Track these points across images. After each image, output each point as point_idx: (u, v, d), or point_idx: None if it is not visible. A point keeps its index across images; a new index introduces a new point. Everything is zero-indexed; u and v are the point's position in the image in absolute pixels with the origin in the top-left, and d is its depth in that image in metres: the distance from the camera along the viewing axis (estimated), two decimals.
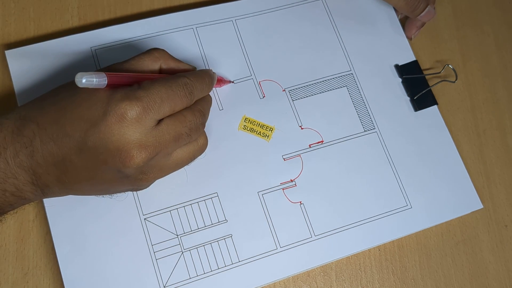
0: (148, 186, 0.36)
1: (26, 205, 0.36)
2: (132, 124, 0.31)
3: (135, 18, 0.45)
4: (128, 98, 0.31)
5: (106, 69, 0.35)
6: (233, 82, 0.44)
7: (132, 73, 0.34)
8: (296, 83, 0.45)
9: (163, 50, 0.37)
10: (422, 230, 0.44)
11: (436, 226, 0.44)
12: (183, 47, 0.44)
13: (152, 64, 0.36)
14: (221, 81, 0.43)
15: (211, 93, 0.43)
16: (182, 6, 0.47)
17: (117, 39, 0.43)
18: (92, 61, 0.42)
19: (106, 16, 0.46)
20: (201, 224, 0.40)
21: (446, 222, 0.44)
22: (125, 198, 0.39)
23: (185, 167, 0.38)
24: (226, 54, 0.45)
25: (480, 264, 0.44)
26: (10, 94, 0.42)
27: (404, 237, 0.43)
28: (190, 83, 0.34)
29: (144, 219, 0.39)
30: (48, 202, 0.38)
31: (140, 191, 0.38)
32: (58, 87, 0.35)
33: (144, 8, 0.47)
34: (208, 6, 0.46)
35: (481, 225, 0.45)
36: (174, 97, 0.33)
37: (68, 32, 0.45)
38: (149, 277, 0.38)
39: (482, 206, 0.44)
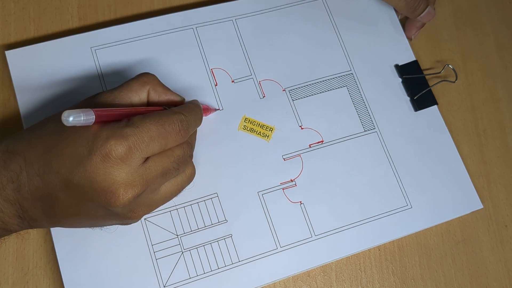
0: (137, 221, 0.35)
1: None
2: (117, 164, 0.30)
3: (135, 18, 0.45)
4: (114, 137, 0.30)
5: (94, 102, 0.34)
6: (219, 109, 0.43)
7: (121, 108, 0.33)
8: (296, 83, 0.45)
9: (152, 75, 0.36)
10: (422, 230, 0.44)
11: (436, 226, 0.44)
12: (183, 47, 0.44)
13: (141, 89, 0.35)
14: (207, 110, 0.42)
15: None
16: (182, 6, 0.47)
17: (117, 39, 0.43)
18: (92, 61, 0.42)
19: (106, 16, 0.46)
20: (201, 224, 0.40)
21: (446, 222, 0.44)
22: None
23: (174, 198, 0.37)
24: (226, 54, 0.45)
25: (480, 264, 0.44)
26: (10, 94, 0.42)
27: (404, 237, 0.43)
28: (186, 119, 0.34)
29: (144, 219, 0.39)
30: None
31: None
32: (46, 119, 0.34)
33: (144, 8, 0.47)
34: (208, 6, 0.46)
35: (481, 225, 0.45)
36: (166, 136, 0.32)
37: (68, 32, 0.45)
38: (149, 277, 0.38)
39: (482, 206, 0.44)
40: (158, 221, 0.39)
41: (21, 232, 0.39)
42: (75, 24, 0.45)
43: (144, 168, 0.31)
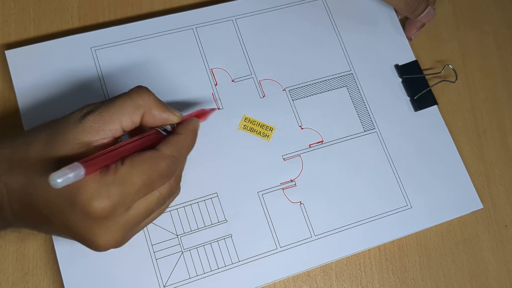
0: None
1: None
2: (99, 221, 0.29)
3: (135, 19, 0.45)
4: (98, 197, 0.28)
5: (81, 127, 0.30)
6: (218, 108, 0.42)
7: (111, 151, 0.30)
8: (296, 83, 0.45)
9: (148, 94, 0.33)
10: (422, 230, 0.44)
11: (436, 226, 0.44)
12: (183, 48, 0.44)
13: (134, 112, 0.32)
14: (205, 113, 0.40)
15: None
16: (182, 7, 0.47)
17: (117, 39, 0.43)
18: (92, 61, 0.42)
19: (106, 16, 0.46)
20: (201, 224, 0.40)
21: (446, 222, 0.44)
22: None
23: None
24: (226, 53, 0.45)
25: (480, 264, 0.44)
26: (10, 94, 0.42)
27: (404, 237, 0.43)
28: (175, 162, 0.32)
29: None
30: None
31: None
32: (31, 136, 0.31)
33: (144, 8, 0.47)
34: (208, 7, 0.46)
35: (481, 225, 0.45)
36: (152, 184, 0.30)
37: (68, 32, 0.45)
38: (149, 276, 0.38)
39: (482, 206, 0.44)
40: (158, 221, 0.39)
41: (21, 232, 0.39)
42: (75, 24, 0.45)
43: (127, 216, 0.30)
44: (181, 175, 0.35)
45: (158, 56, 0.43)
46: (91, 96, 0.41)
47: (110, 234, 0.30)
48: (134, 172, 0.29)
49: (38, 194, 0.30)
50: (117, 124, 0.31)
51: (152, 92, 0.34)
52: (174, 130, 0.34)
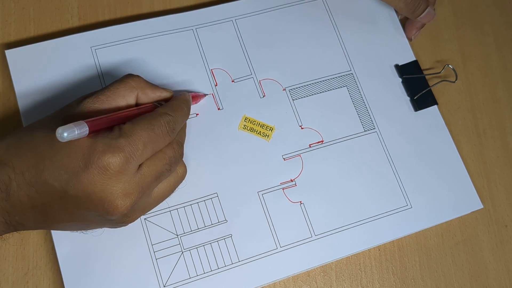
0: (131, 223, 0.35)
1: None
2: (115, 175, 0.30)
3: (135, 19, 0.45)
4: (110, 150, 0.30)
5: (81, 110, 0.33)
6: (208, 94, 0.43)
7: (112, 114, 0.32)
8: (296, 83, 0.45)
9: (138, 77, 0.36)
10: (422, 230, 0.44)
11: (436, 226, 0.44)
12: (183, 48, 0.44)
13: (128, 94, 0.35)
14: (197, 97, 0.42)
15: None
16: (182, 7, 0.47)
17: (117, 39, 0.43)
18: (92, 61, 0.42)
19: (106, 16, 0.46)
20: (201, 224, 0.40)
21: (446, 222, 0.44)
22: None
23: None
24: (226, 54, 0.45)
25: (480, 264, 0.44)
26: (10, 94, 0.42)
27: (404, 237, 0.43)
28: (172, 119, 0.34)
29: (144, 219, 0.39)
30: None
31: None
32: (32, 126, 0.34)
33: (144, 8, 0.47)
34: (208, 7, 0.46)
35: (481, 225, 0.45)
36: (157, 139, 0.32)
37: (68, 32, 0.45)
38: (149, 276, 0.38)
39: (482, 206, 0.44)
40: (158, 221, 0.39)
41: (21, 232, 0.39)
42: (75, 24, 0.45)
43: (140, 175, 0.31)
44: (183, 143, 0.36)
45: (158, 56, 0.43)
46: None
47: (126, 191, 0.31)
48: (137, 127, 0.31)
49: (50, 165, 0.30)
50: (113, 106, 0.34)
51: (142, 77, 0.36)
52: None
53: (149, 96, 0.36)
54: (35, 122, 0.34)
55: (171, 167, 0.34)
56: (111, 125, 0.32)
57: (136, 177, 0.31)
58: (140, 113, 0.34)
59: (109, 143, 0.30)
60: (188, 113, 0.37)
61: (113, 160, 0.30)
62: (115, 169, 0.30)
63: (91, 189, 0.30)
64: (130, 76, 0.36)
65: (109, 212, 0.31)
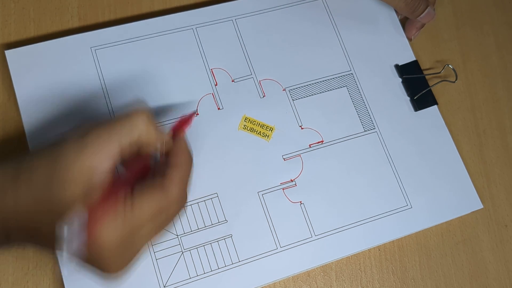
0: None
1: None
2: (109, 251, 0.30)
3: (135, 19, 0.45)
4: (109, 231, 0.29)
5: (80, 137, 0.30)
6: (197, 113, 0.42)
7: (113, 191, 0.31)
8: (296, 83, 0.45)
9: (145, 120, 0.32)
10: (422, 230, 0.44)
11: (436, 226, 0.44)
12: (183, 48, 0.44)
13: (130, 133, 0.31)
14: (187, 119, 0.38)
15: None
16: (182, 7, 0.47)
17: (117, 39, 0.43)
18: (92, 61, 0.42)
19: (106, 16, 0.46)
20: (201, 224, 0.40)
21: (446, 222, 0.44)
22: None
23: None
24: (226, 54, 0.45)
25: (480, 264, 0.44)
26: (10, 94, 0.42)
27: (404, 237, 0.43)
28: (182, 200, 0.33)
29: None
30: None
31: None
32: (36, 161, 0.31)
33: (144, 8, 0.47)
34: (208, 7, 0.46)
35: (481, 225, 0.45)
36: (161, 226, 0.33)
37: (68, 32, 0.45)
38: (149, 277, 0.38)
39: (482, 206, 0.44)
40: None
41: None
42: (75, 24, 0.45)
43: (137, 237, 0.31)
44: (187, 196, 0.35)
45: (158, 56, 0.43)
46: (91, 96, 0.41)
47: (120, 258, 0.31)
48: (146, 206, 0.31)
49: (46, 222, 0.30)
50: (115, 144, 0.31)
51: (149, 113, 0.33)
52: (164, 153, 0.34)
53: (149, 139, 0.32)
54: (34, 155, 0.31)
55: (172, 220, 0.34)
56: (113, 203, 0.30)
57: (130, 239, 0.31)
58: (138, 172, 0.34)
59: (107, 225, 0.29)
60: (192, 163, 0.35)
61: (108, 241, 0.29)
62: (109, 248, 0.30)
63: (84, 256, 0.30)
64: (137, 116, 0.32)
65: (102, 273, 0.32)
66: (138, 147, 0.32)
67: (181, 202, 0.33)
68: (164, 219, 0.33)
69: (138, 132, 0.32)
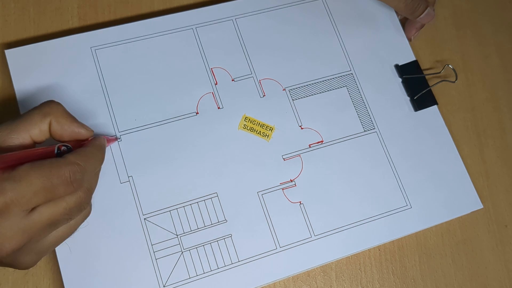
0: (30, 267, 0.33)
1: None
2: (14, 251, 0.29)
3: (135, 19, 0.45)
4: None
5: None
6: (119, 139, 0.40)
7: (6, 155, 0.30)
8: (296, 83, 0.45)
9: (57, 105, 0.34)
10: (422, 230, 0.44)
11: (436, 226, 0.44)
12: (183, 47, 0.44)
13: (41, 120, 0.33)
14: (108, 140, 0.39)
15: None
16: (182, 7, 0.47)
17: (117, 39, 0.43)
18: (92, 61, 0.42)
19: (106, 16, 0.46)
20: (200, 224, 0.40)
21: (446, 222, 0.44)
22: (126, 198, 0.39)
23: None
24: (226, 53, 0.45)
25: (480, 264, 0.44)
26: (10, 94, 0.42)
27: (404, 237, 0.43)
28: (80, 169, 0.31)
29: (144, 219, 0.39)
30: None
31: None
32: None
33: (144, 8, 0.47)
34: (208, 6, 0.46)
35: (481, 225, 0.45)
36: (53, 189, 0.29)
37: (68, 32, 0.45)
38: (148, 276, 0.38)
39: (482, 206, 0.44)
40: (158, 221, 0.39)
41: None
42: (75, 24, 0.45)
43: (27, 220, 0.29)
44: (92, 190, 0.34)
45: (158, 56, 0.43)
46: (91, 96, 0.41)
47: (6, 236, 0.29)
48: (32, 172, 0.29)
49: None
50: (24, 133, 0.32)
51: (61, 105, 0.35)
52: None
53: (63, 128, 0.34)
54: None
55: (71, 215, 0.32)
56: (9, 165, 0.30)
57: (21, 223, 0.29)
58: (44, 152, 0.32)
59: None
60: (103, 159, 0.35)
61: None
62: None
63: None
64: (47, 102, 0.34)
65: None
66: (54, 134, 0.34)
67: (75, 187, 0.31)
68: (60, 202, 0.31)
69: (47, 117, 0.33)
